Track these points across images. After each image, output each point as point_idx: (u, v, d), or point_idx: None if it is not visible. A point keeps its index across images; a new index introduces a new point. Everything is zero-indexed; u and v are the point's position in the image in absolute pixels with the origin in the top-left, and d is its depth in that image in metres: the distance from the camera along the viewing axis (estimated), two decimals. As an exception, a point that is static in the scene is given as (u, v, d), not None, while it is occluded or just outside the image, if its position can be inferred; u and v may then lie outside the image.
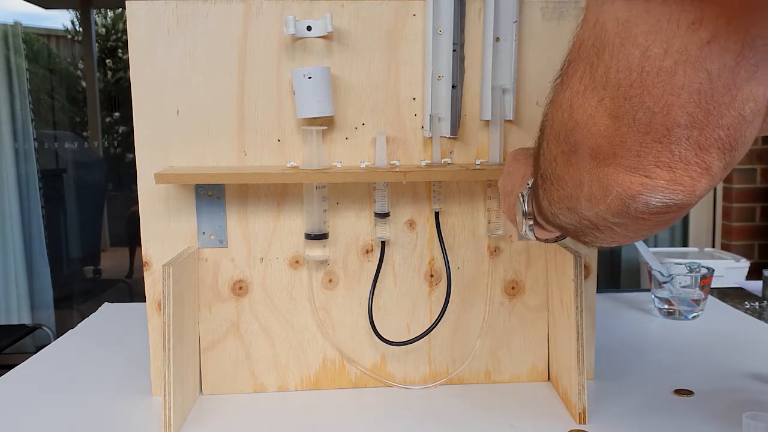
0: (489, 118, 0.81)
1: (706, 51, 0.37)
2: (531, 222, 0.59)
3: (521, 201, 0.59)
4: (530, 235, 0.60)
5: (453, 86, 0.80)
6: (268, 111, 0.80)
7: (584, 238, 0.51)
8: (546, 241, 0.64)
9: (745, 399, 0.80)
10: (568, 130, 0.44)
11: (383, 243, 0.83)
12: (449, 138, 0.82)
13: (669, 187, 0.41)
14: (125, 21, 0.77)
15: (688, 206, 0.43)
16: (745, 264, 2.39)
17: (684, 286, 1.12)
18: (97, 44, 3.49)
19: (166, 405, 0.71)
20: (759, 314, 1.16)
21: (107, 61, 3.54)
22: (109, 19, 3.65)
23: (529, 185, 0.58)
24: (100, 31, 3.62)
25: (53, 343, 1.03)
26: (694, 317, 1.12)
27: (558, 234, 0.60)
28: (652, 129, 0.40)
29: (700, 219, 3.05)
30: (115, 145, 3.58)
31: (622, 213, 0.44)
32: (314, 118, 0.78)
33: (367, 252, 0.83)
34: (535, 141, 0.53)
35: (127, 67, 0.77)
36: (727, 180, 3.03)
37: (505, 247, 0.85)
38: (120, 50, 3.59)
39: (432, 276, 0.85)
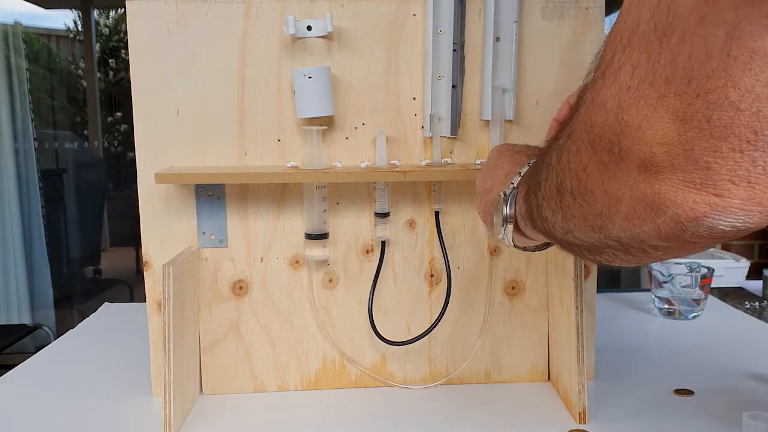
0: (489, 117, 0.81)
1: None
2: (511, 226, 0.53)
3: (502, 202, 0.53)
4: (507, 240, 0.55)
5: (453, 86, 0.80)
6: (268, 111, 0.80)
7: (597, 256, 0.45)
8: (523, 249, 0.59)
9: (745, 399, 0.80)
10: (614, 134, 0.37)
11: (383, 243, 0.83)
12: (449, 138, 0.82)
13: (745, 207, 0.33)
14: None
15: (756, 229, 0.36)
16: (745, 264, 2.39)
17: (684, 286, 1.12)
18: (99, 44, 3.49)
19: (166, 405, 0.70)
20: (759, 314, 1.16)
21: (110, 61, 3.54)
22: (111, 20, 3.65)
23: (514, 185, 0.53)
24: (103, 31, 3.62)
25: (53, 343, 1.03)
26: (694, 317, 1.12)
27: (541, 243, 0.55)
28: (732, 133, 0.32)
29: (700, 219, 3.04)
30: (115, 144, 3.58)
31: (673, 236, 0.37)
32: (314, 117, 0.78)
33: (367, 252, 0.83)
34: (548, 146, 0.47)
35: (127, 67, 0.77)
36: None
37: (505, 247, 0.85)
38: (123, 50, 3.58)
39: (432, 276, 0.84)
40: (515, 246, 0.56)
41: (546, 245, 0.59)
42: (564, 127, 0.44)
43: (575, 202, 0.42)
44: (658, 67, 0.34)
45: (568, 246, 0.48)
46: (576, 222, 0.43)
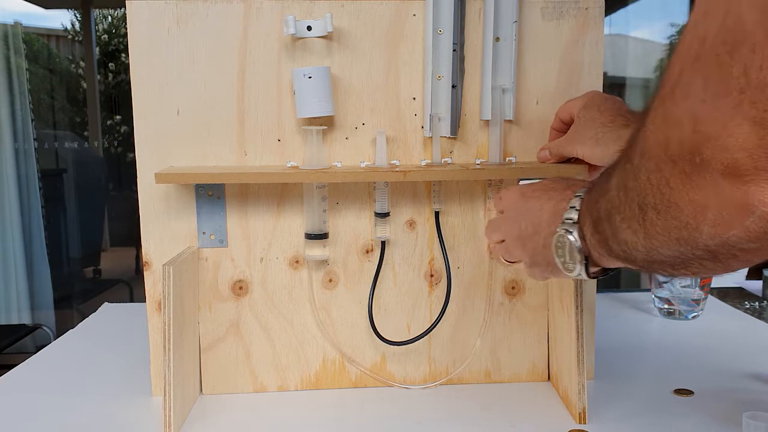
0: (489, 117, 0.81)
1: None
2: (586, 261, 0.53)
3: (569, 238, 0.54)
4: (583, 275, 0.55)
5: (453, 86, 0.80)
6: (268, 111, 0.80)
7: (683, 270, 0.46)
8: (594, 277, 0.58)
9: (745, 399, 0.80)
10: (694, 146, 0.38)
11: (383, 243, 0.83)
12: (449, 138, 0.82)
13: None
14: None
15: None
16: (745, 264, 2.38)
17: (684, 286, 1.12)
18: (98, 47, 3.49)
19: (166, 405, 0.70)
20: (759, 314, 1.16)
21: (110, 64, 3.54)
22: (110, 20, 3.65)
23: (574, 219, 0.53)
24: (102, 37, 3.62)
25: (53, 343, 1.03)
26: (694, 317, 1.12)
27: (615, 267, 0.55)
28: None
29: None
30: (115, 145, 3.58)
31: (763, 236, 0.38)
32: (314, 117, 0.78)
33: (367, 252, 0.83)
34: (608, 173, 0.48)
35: (127, 70, 0.77)
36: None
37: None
38: (123, 53, 3.58)
39: (432, 276, 0.84)
40: (591, 277, 0.57)
41: (613, 270, 0.58)
42: (628, 147, 0.45)
43: (659, 217, 0.43)
44: (731, 79, 0.36)
45: (650, 266, 0.48)
46: (660, 238, 0.44)
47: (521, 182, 0.72)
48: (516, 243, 0.63)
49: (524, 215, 0.62)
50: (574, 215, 0.54)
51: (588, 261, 0.54)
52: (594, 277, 0.58)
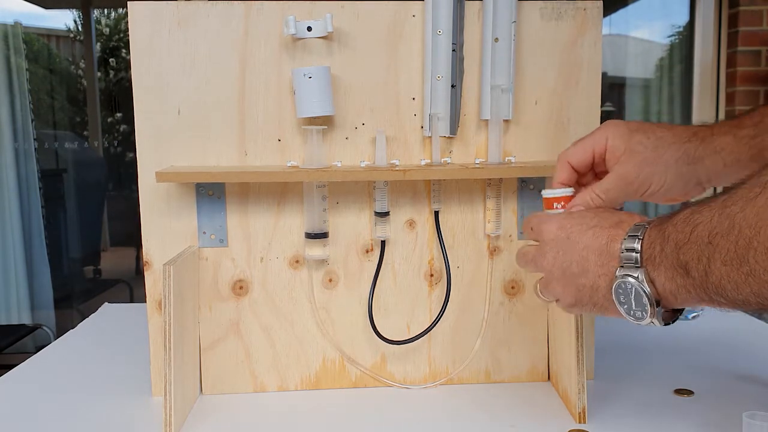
0: (488, 117, 0.81)
1: None
2: (656, 303, 0.50)
3: (637, 281, 0.50)
4: (656, 322, 0.52)
5: (452, 86, 0.80)
6: (268, 111, 0.80)
7: None
8: (667, 323, 0.54)
9: (745, 399, 0.80)
10: None
11: (383, 242, 0.83)
12: (448, 137, 0.82)
13: None
14: (127, 21, 0.77)
15: None
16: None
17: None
18: (99, 44, 3.49)
19: (166, 405, 0.71)
20: (759, 314, 1.16)
21: (110, 60, 3.54)
22: (112, 20, 3.65)
23: (637, 263, 0.50)
24: (103, 30, 3.62)
25: (53, 343, 1.03)
26: (694, 317, 1.12)
27: (699, 308, 0.53)
28: None
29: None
30: (115, 145, 3.58)
31: None
32: (314, 117, 0.78)
33: (367, 251, 0.83)
34: (695, 213, 0.46)
35: (128, 67, 0.77)
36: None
37: (505, 246, 0.85)
38: (123, 50, 3.58)
39: (432, 275, 0.85)
40: (665, 324, 0.53)
41: (682, 311, 0.55)
42: (749, 179, 0.44)
43: None
44: None
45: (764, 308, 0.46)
46: None
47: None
48: (557, 281, 0.60)
49: (566, 252, 0.58)
50: (635, 257, 0.51)
51: (659, 306, 0.50)
52: (666, 324, 0.54)
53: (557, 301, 0.63)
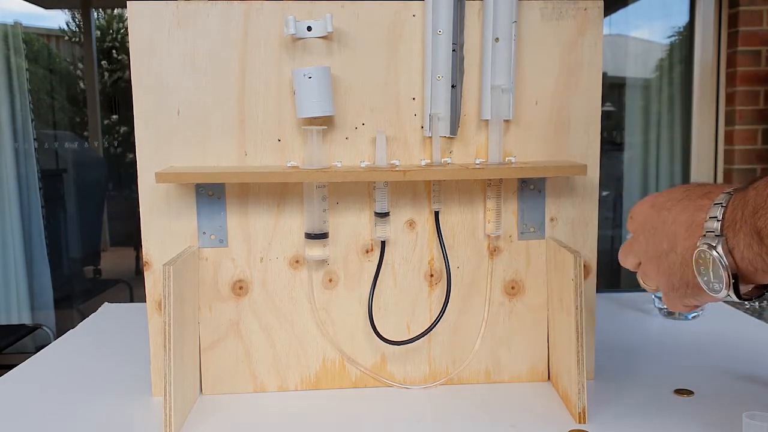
0: (488, 117, 0.81)
1: None
2: (734, 276, 0.47)
3: (714, 253, 0.47)
4: (732, 296, 0.49)
5: (452, 86, 0.80)
6: (268, 111, 0.80)
7: None
8: (747, 298, 0.51)
9: (745, 399, 0.80)
10: None
11: (383, 243, 0.83)
12: (449, 138, 0.82)
13: None
14: (120, 21, 0.77)
15: None
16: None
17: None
18: (97, 44, 3.49)
19: (166, 405, 0.71)
20: (759, 314, 1.16)
21: (103, 62, 3.54)
22: (103, 20, 3.64)
23: (717, 232, 0.47)
24: (98, 33, 3.61)
25: (53, 343, 1.03)
26: (694, 317, 1.12)
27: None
28: None
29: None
30: (115, 145, 3.58)
31: None
32: (314, 117, 0.78)
33: (367, 252, 0.83)
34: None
35: (124, 68, 0.77)
36: (727, 179, 3.03)
37: (505, 246, 0.85)
38: (115, 51, 3.58)
39: (432, 276, 0.85)
40: (742, 299, 0.50)
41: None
42: None
43: None
44: None
45: None
46: None
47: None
48: (650, 263, 0.57)
49: (657, 230, 0.55)
50: (716, 225, 0.48)
51: (737, 279, 0.48)
52: (747, 299, 0.51)
53: (659, 289, 0.60)
